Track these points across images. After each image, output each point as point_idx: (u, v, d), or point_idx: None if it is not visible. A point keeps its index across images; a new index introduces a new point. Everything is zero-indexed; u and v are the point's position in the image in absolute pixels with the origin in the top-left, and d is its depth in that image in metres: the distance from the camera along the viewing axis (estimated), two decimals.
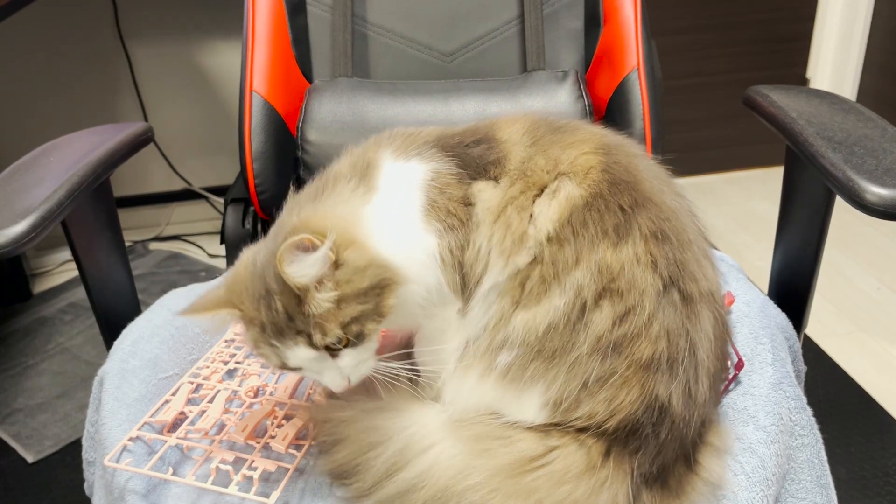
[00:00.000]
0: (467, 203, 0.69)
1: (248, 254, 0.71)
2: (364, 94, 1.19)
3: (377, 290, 0.65)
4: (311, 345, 0.65)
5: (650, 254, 0.65)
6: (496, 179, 0.70)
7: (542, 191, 0.68)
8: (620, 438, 0.67)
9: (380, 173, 0.71)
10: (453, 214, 0.69)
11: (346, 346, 0.67)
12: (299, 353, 0.66)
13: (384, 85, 1.21)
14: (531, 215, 0.68)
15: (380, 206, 0.69)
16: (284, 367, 0.69)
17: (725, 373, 0.75)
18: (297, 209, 0.70)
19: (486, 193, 0.70)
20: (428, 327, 0.75)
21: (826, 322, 1.96)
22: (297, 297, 0.64)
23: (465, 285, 0.71)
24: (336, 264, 0.64)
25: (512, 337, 0.67)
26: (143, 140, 1.00)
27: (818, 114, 0.87)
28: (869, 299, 2.05)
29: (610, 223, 0.66)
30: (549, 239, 0.67)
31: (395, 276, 0.66)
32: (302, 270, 0.63)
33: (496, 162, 0.71)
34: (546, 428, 0.69)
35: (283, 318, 0.65)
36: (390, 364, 0.71)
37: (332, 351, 0.67)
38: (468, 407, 0.71)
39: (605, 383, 0.65)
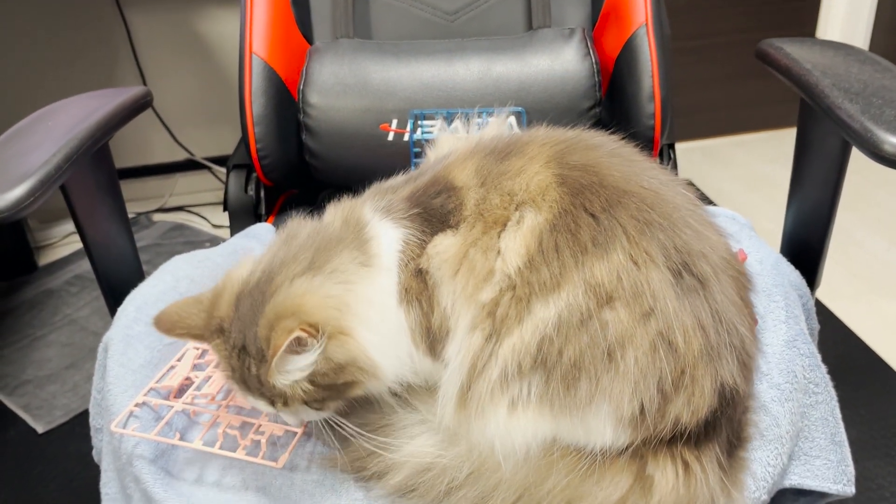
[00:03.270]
0: (420, 272, 0.69)
1: (235, 283, 0.70)
2: (366, 56, 1.17)
3: (348, 385, 0.68)
4: (272, 405, 0.69)
5: (646, 252, 0.62)
6: (456, 227, 0.69)
7: (506, 226, 0.66)
8: (702, 433, 0.65)
9: (375, 240, 0.70)
10: (411, 290, 0.69)
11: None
12: (259, 405, 0.70)
13: (386, 45, 1.19)
14: (499, 251, 0.66)
15: (370, 284, 0.69)
16: None
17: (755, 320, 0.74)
18: (290, 265, 0.68)
19: (442, 245, 0.68)
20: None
21: (836, 284, 1.94)
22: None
23: (436, 345, 0.70)
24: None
25: (511, 369, 0.63)
26: (142, 104, 0.98)
27: (833, 65, 0.84)
28: (879, 261, 2.03)
29: (586, 237, 0.63)
30: (518, 271, 0.64)
31: (370, 377, 0.68)
32: (292, 373, 0.66)
33: (454, 210, 0.69)
34: (633, 450, 0.66)
35: (252, 378, 0.68)
36: (342, 420, 0.71)
37: None
38: (516, 444, 0.66)
39: (680, 384, 0.62)
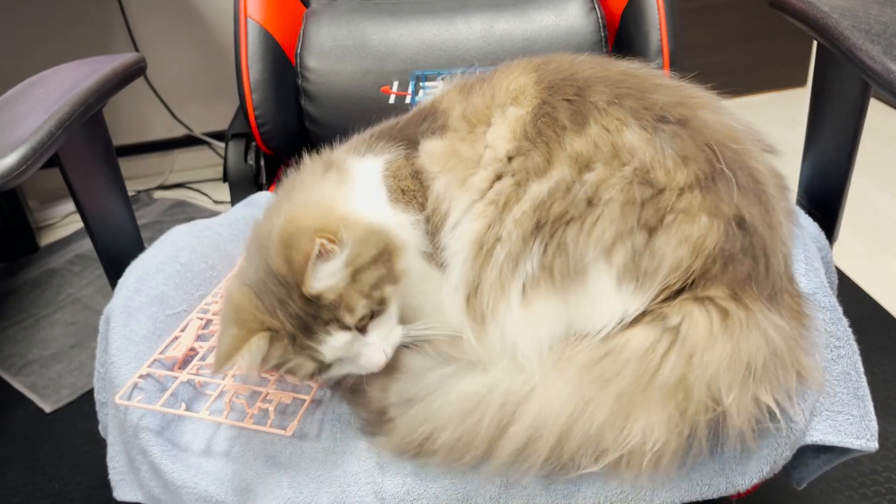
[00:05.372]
0: (417, 172, 0.72)
1: (233, 286, 0.69)
2: (364, 16, 1.14)
3: (385, 255, 0.67)
4: (344, 327, 0.65)
5: (617, 119, 0.66)
6: (442, 134, 0.73)
7: (490, 124, 0.71)
8: (729, 273, 0.63)
9: (346, 165, 0.74)
10: (408, 190, 0.72)
11: (371, 319, 0.67)
12: (334, 342, 0.66)
13: (385, 5, 1.15)
14: (486, 144, 0.70)
15: (356, 190, 0.71)
16: (319, 372, 0.68)
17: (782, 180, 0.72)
18: (269, 215, 0.71)
19: (431, 145, 0.73)
20: (426, 294, 0.73)
21: (847, 244, 1.91)
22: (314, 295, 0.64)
23: (434, 233, 0.71)
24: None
25: (514, 242, 0.65)
26: (136, 70, 0.95)
27: (852, 7, 0.81)
28: (890, 220, 2.00)
29: (564, 117, 0.67)
30: (510, 157, 0.68)
31: (395, 239, 0.68)
32: (326, 280, 0.64)
33: (442, 126, 0.74)
34: (651, 313, 0.64)
35: (307, 315, 0.64)
36: (417, 328, 0.70)
37: (361, 329, 0.67)
38: (539, 338, 0.66)
39: (664, 223, 0.62)
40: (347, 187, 0.71)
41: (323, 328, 0.65)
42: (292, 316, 0.65)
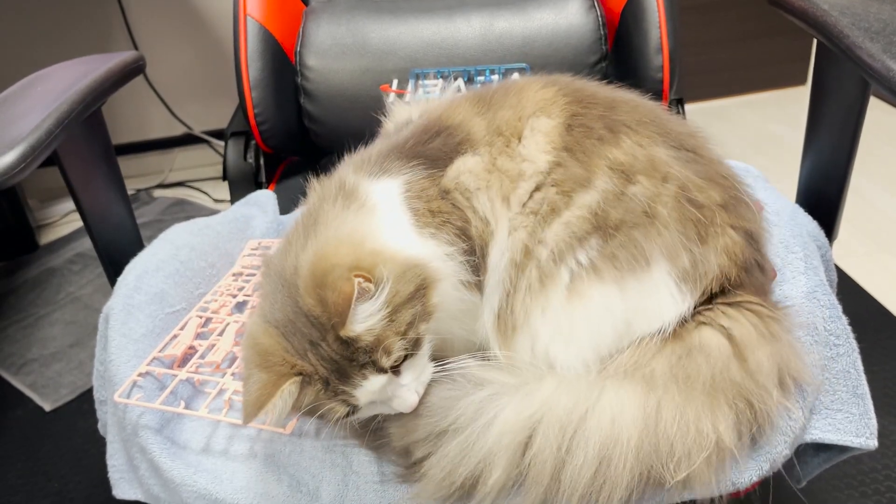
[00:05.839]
0: (446, 192, 0.69)
1: (255, 325, 0.65)
2: (363, 14, 1.13)
3: (421, 290, 0.63)
4: (380, 370, 0.62)
5: (647, 137, 0.69)
6: (474, 151, 0.71)
7: (521, 137, 0.70)
8: (749, 282, 0.69)
9: (363, 190, 0.69)
10: (439, 212, 0.68)
11: (404, 360, 0.64)
12: (370, 386, 0.63)
13: (384, 3, 1.15)
14: (524, 158, 0.69)
15: (383, 219, 0.67)
16: (349, 415, 0.65)
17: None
18: (290, 249, 0.65)
19: (467, 164, 0.70)
20: (462, 321, 0.71)
21: (847, 242, 1.91)
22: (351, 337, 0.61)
23: (482, 256, 0.69)
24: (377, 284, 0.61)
25: (559, 242, 0.66)
26: (134, 69, 0.95)
27: (851, 5, 0.81)
28: (890, 219, 2.00)
29: (600, 129, 0.69)
30: (551, 167, 0.68)
31: (431, 273, 0.64)
32: (365, 322, 0.60)
33: (463, 142, 0.71)
34: (696, 317, 0.68)
35: (342, 358, 0.61)
36: (447, 364, 0.68)
37: (394, 370, 0.64)
38: (584, 339, 0.66)
39: (710, 233, 0.67)
40: (373, 217, 0.67)
41: (358, 372, 0.62)
42: (325, 359, 0.61)
